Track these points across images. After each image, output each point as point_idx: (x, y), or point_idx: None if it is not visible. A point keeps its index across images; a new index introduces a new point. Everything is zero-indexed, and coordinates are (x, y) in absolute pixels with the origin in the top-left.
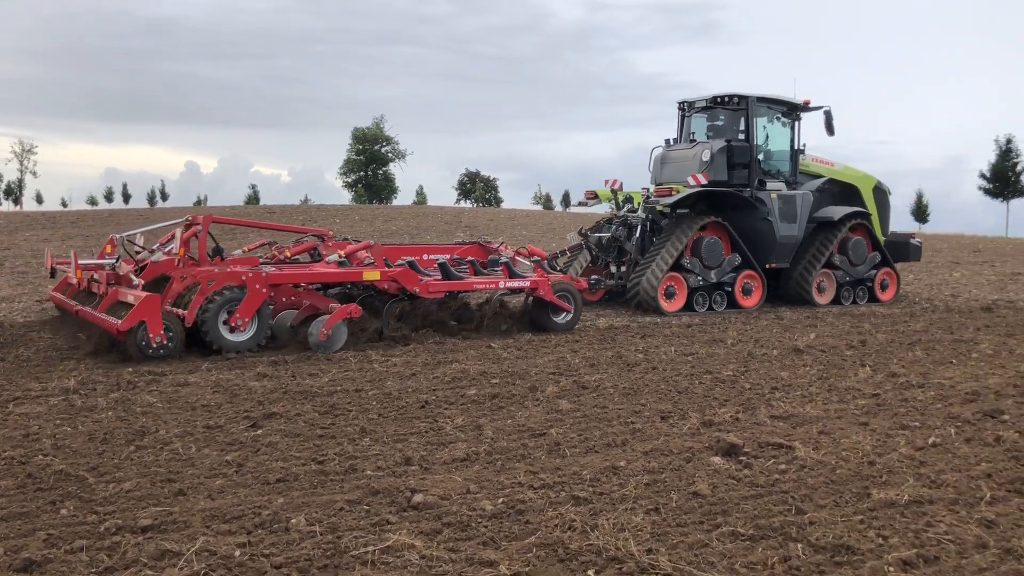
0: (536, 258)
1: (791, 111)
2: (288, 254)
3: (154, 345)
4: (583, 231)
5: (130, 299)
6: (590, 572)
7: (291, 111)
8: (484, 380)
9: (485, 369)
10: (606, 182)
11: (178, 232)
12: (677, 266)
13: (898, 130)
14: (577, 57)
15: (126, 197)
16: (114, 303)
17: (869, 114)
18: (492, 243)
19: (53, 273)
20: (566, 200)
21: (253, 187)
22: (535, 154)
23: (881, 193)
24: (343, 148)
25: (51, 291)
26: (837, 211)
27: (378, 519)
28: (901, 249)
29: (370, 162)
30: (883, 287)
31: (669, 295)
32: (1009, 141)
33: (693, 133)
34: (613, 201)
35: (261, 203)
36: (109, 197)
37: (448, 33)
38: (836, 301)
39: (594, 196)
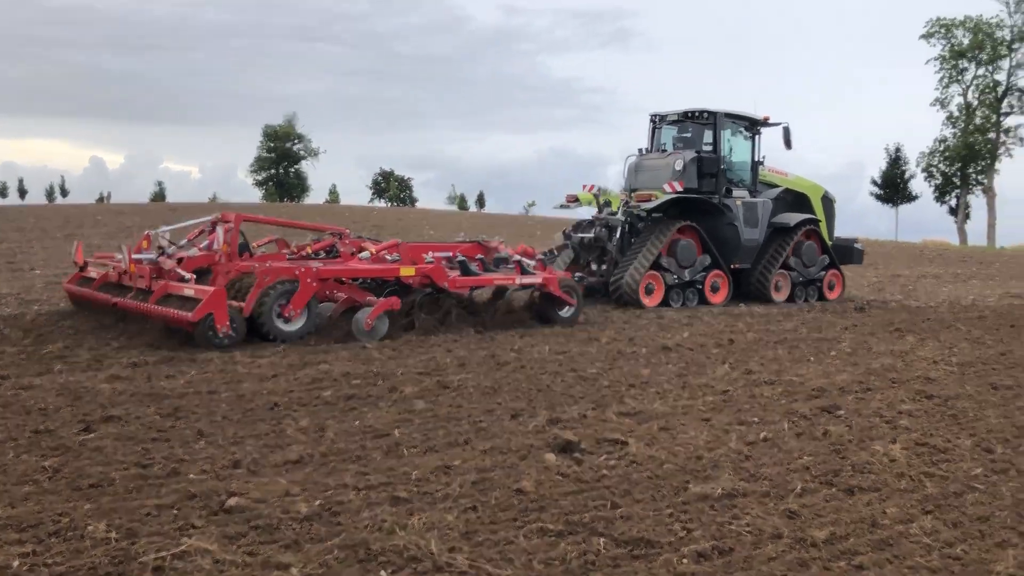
0: (540, 256)
1: (752, 126)
2: (310, 251)
3: (220, 335)
4: (566, 232)
5: (188, 292)
6: (383, 573)
7: (204, 106)
8: (344, 381)
9: (351, 370)
10: (584, 186)
11: (219, 229)
12: (655, 265)
13: (807, 139)
14: (495, 59)
15: (22, 192)
16: (164, 296)
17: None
18: (491, 242)
19: (85, 266)
20: (481, 201)
21: (159, 184)
22: (452, 154)
23: (828, 201)
24: (256, 145)
25: (65, 283)
26: (792, 217)
27: (183, 524)
28: (846, 253)
29: (281, 160)
30: (830, 287)
31: (648, 291)
32: (898, 150)
33: (664, 144)
34: (595, 204)
35: (167, 200)
36: (3, 192)
37: (366, 31)
38: (791, 299)
39: (575, 200)
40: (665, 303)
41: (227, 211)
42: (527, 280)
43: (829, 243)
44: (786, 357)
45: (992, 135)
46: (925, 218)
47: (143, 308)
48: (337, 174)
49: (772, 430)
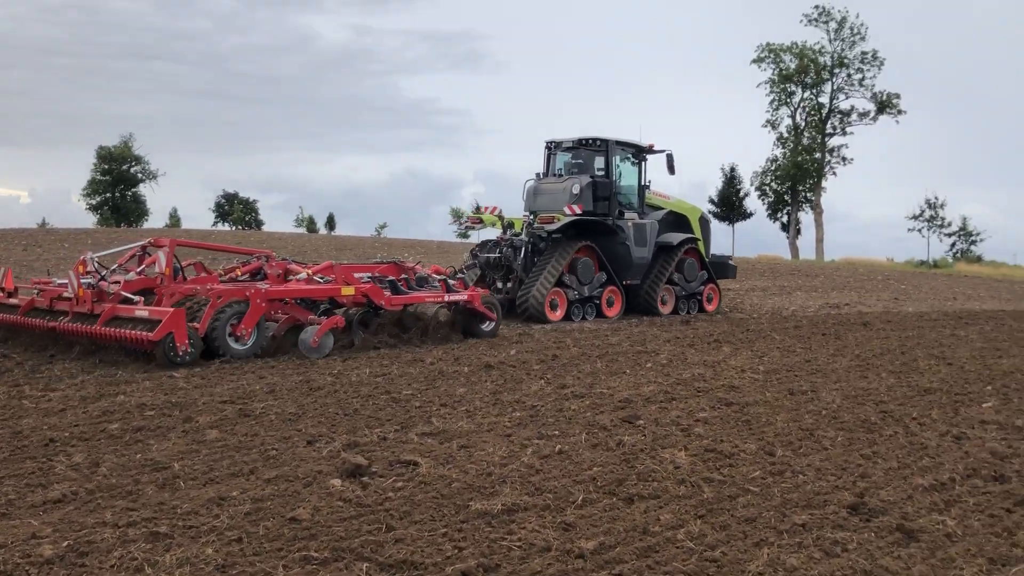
0: (461, 274)
1: (639, 153)
2: (238, 273)
3: (180, 353)
4: (473, 251)
5: (142, 314)
6: None
7: (30, 127)
8: (136, 413)
9: (147, 401)
10: (485, 208)
11: (161, 254)
12: (559, 282)
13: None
14: (344, 80)
15: None
16: (111, 318)
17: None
18: (407, 262)
19: (13, 293)
20: (331, 223)
21: None
22: (302, 176)
23: (705, 222)
24: (90, 168)
25: None
26: (675, 237)
27: None
28: (721, 268)
29: (118, 183)
30: (709, 300)
31: (553, 307)
32: (733, 169)
33: (560, 169)
34: (499, 225)
35: None
36: None
37: (207, 50)
38: (675, 311)
39: (479, 221)
40: (567, 317)
41: (158, 237)
42: (454, 297)
43: (707, 259)
44: (603, 370)
45: (818, 155)
46: (761, 235)
47: (95, 331)
48: (179, 197)
49: (569, 443)
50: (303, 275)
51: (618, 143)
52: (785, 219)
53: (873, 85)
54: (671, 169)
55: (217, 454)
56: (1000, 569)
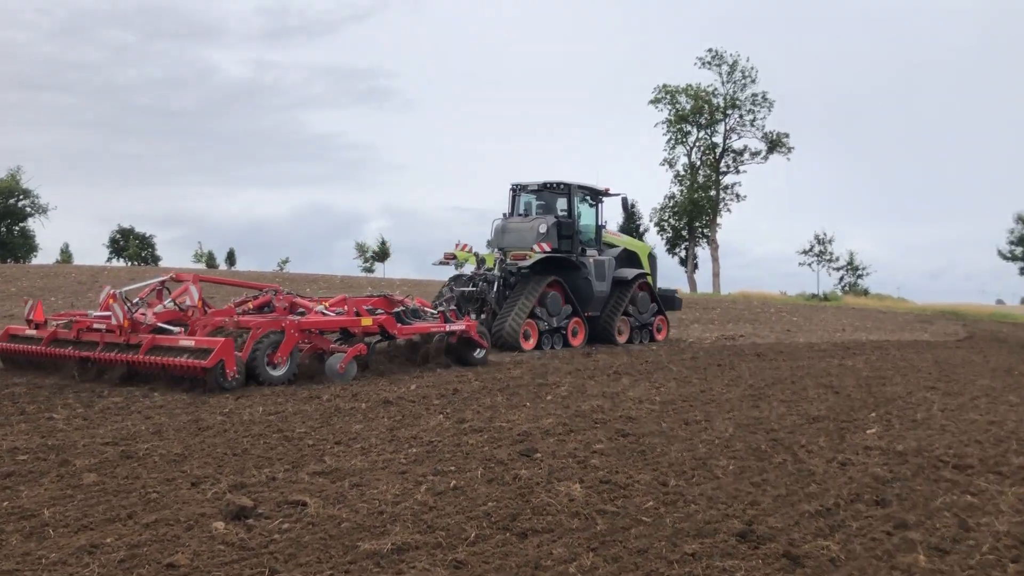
0: (441, 308)
1: (595, 195)
2: (250, 306)
3: (229, 379)
4: (449, 286)
5: (189, 343)
6: None
7: None
8: (8, 458)
9: (21, 444)
10: (457, 245)
11: (192, 288)
12: (531, 314)
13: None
14: (245, 114)
15: None
16: (151, 347)
17: (525, 175)
18: (395, 296)
19: (42, 325)
20: (231, 258)
21: None
22: (200, 210)
23: (652, 258)
24: None
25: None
26: (629, 272)
27: None
28: (669, 301)
29: (4, 217)
30: (658, 329)
31: (526, 336)
32: (633, 205)
33: (526, 209)
34: (473, 261)
35: None
36: None
37: (100, 82)
38: (629, 340)
39: (453, 257)
40: (539, 346)
41: (179, 272)
42: (455, 327)
43: (656, 293)
44: (503, 404)
45: (713, 192)
46: (660, 269)
47: (139, 360)
48: (70, 232)
49: (465, 478)
50: (321, 308)
51: (579, 187)
52: (683, 254)
53: (764, 125)
54: (625, 210)
55: (93, 499)
56: None
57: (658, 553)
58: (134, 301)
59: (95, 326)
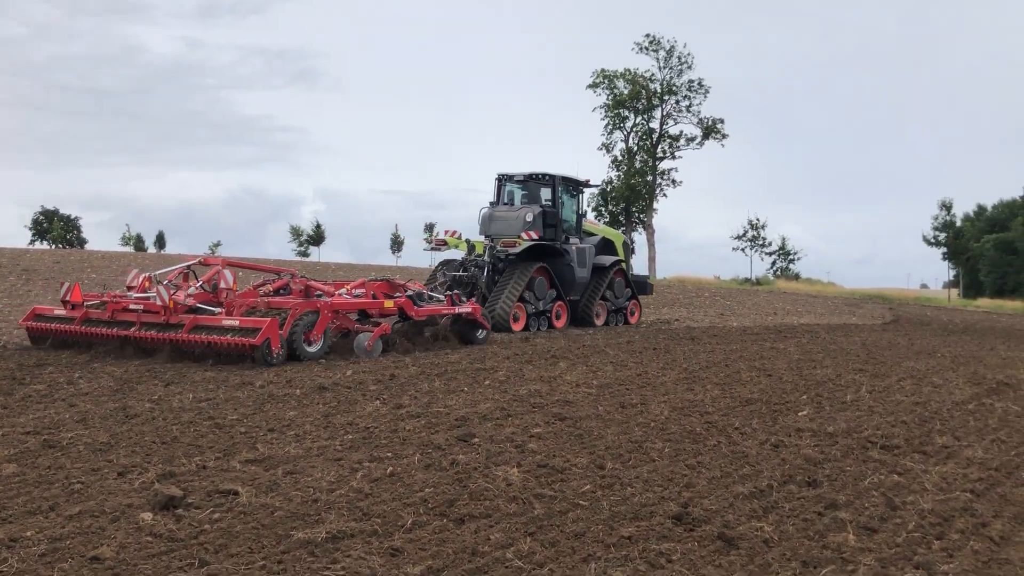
0: (458, 291)
1: (577, 186)
2: (271, 289)
3: (274, 355)
4: (440, 271)
5: (234, 323)
6: None
7: None
8: None
9: None
10: (445, 231)
11: (227, 271)
12: (520, 298)
13: (485, 178)
14: (175, 94)
15: None
16: (193, 327)
17: (460, 159)
18: (396, 280)
19: (79, 306)
20: (161, 241)
21: None
22: (129, 193)
23: (627, 246)
24: None
25: (24, 322)
26: (607, 259)
27: None
28: (641, 286)
29: None
30: (631, 313)
31: (515, 319)
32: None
33: (510, 198)
34: (463, 247)
35: None
36: None
37: (20, 59)
38: (606, 323)
39: (444, 243)
40: (526, 328)
41: (207, 256)
42: (462, 309)
43: (630, 278)
44: (441, 389)
45: (650, 177)
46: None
47: (194, 339)
48: None
49: (402, 464)
50: (343, 291)
51: (563, 178)
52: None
53: (699, 111)
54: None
55: (12, 491)
56: (812, 571)
57: (595, 537)
58: (163, 283)
59: (131, 307)
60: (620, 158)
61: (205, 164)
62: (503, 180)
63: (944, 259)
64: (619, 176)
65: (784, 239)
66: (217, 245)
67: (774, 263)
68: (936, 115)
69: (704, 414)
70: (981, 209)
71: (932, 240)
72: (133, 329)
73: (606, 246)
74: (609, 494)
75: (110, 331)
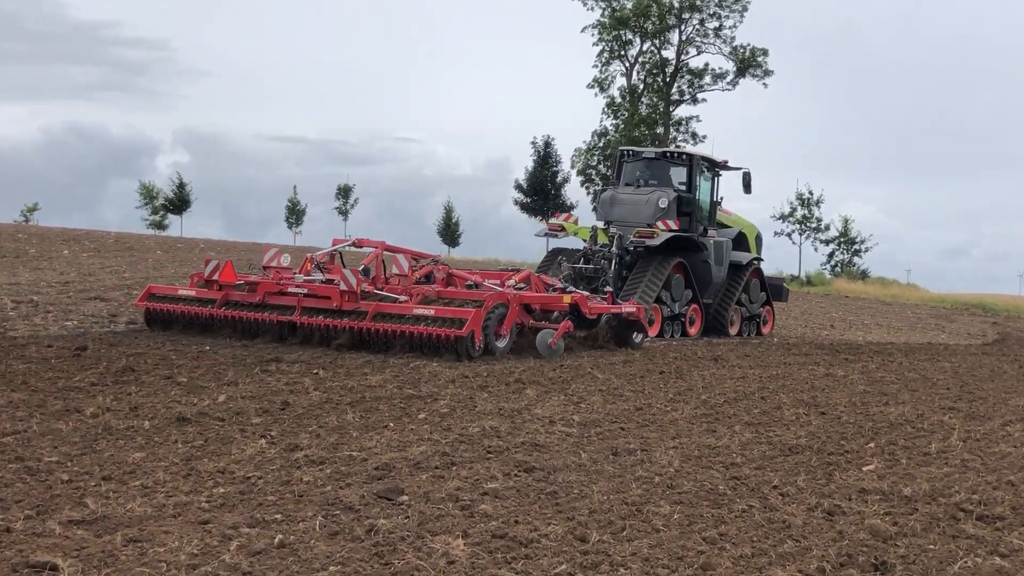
0: (610, 289)
1: (714, 168)
2: (418, 275)
3: (477, 348)
4: (560, 260)
5: (428, 312)
6: None
7: None
8: None
9: None
10: (559, 215)
11: (401, 258)
12: (657, 298)
13: (428, 125)
14: None
15: None
16: (376, 314)
17: (388, 95)
18: (546, 277)
19: (239, 287)
20: None
21: None
22: None
23: (760, 240)
24: None
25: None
26: (744, 256)
27: None
28: (777, 291)
29: None
30: (764, 322)
31: (650, 322)
32: (548, 145)
33: (639, 179)
34: (583, 235)
35: None
36: None
37: None
38: (739, 333)
39: (561, 228)
40: (659, 334)
41: (362, 239)
42: (627, 308)
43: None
44: (355, 424)
45: (660, 129)
46: None
47: (386, 328)
48: None
49: (297, 531)
50: (511, 282)
51: (702, 158)
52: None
53: (733, 37)
54: (747, 188)
55: None
56: None
57: None
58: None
59: (291, 290)
60: (619, 100)
61: (17, 91)
62: (626, 156)
63: None
64: (617, 126)
65: (847, 222)
66: (33, 209)
67: (832, 255)
68: None
69: (730, 466)
70: None
71: None
72: (295, 314)
73: (739, 240)
74: None
75: (266, 315)
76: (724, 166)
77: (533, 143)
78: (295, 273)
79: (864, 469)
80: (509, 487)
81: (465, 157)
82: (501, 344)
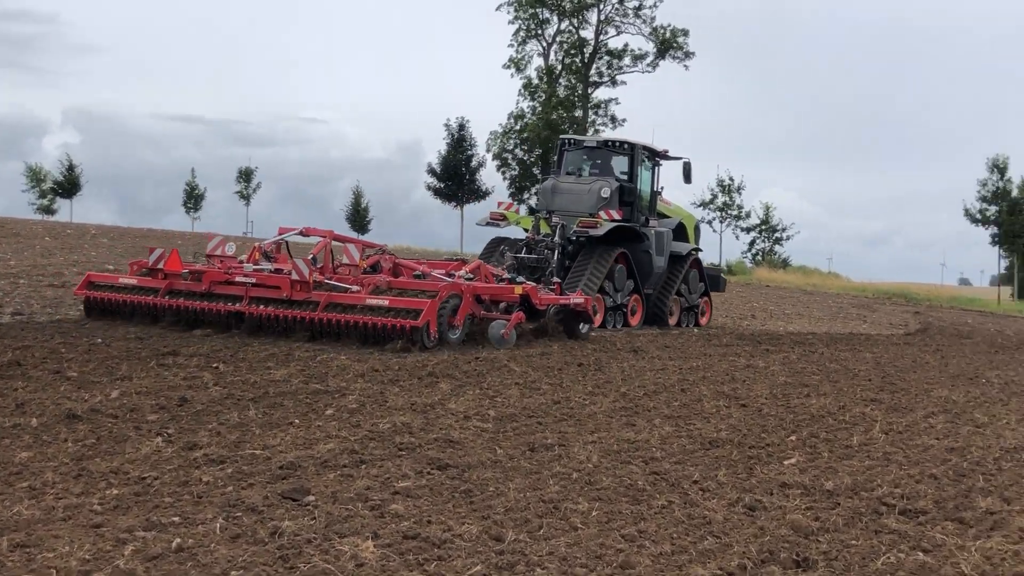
0: (558, 280)
1: (654, 157)
2: (365, 266)
3: (432, 338)
4: (502, 250)
5: (382, 303)
6: None
7: None
8: None
9: None
10: (500, 204)
11: (352, 248)
12: (600, 288)
13: (337, 105)
14: None
15: None
16: (327, 304)
17: (297, 81)
18: (492, 267)
19: (190, 275)
20: None
21: None
22: None
23: (698, 230)
24: None
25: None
26: (683, 246)
27: None
28: (714, 281)
29: None
30: (702, 313)
31: (594, 312)
32: (462, 127)
33: (582, 168)
34: (525, 225)
35: None
36: None
37: None
38: (678, 324)
39: (503, 218)
40: (602, 325)
41: (310, 228)
42: (576, 299)
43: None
44: (258, 421)
45: (579, 111)
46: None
47: (344, 318)
48: None
49: (197, 534)
50: (463, 273)
51: (643, 147)
52: (534, 201)
53: (653, 17)
54: (687, 178)
55: None
56: None
57: None
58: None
59: (239, 279)
60: (536, 82)
61: None
62: (567, 145)
63: (993, 243)
64: (535, 108)
65: (768, 209)
66: None
67: (753, 243)
68: (988, 37)
69: (649, 461)
70: None
71: (977, 216)
72: (243, 303)
73: (679, 230)
74: None
75: (213, 305)
76: (664, 156)
77: (447, 125)
78: (242, 262)
79: (785, 463)
80: (421, 486)
81: (375, 139)
82: (454, 335)
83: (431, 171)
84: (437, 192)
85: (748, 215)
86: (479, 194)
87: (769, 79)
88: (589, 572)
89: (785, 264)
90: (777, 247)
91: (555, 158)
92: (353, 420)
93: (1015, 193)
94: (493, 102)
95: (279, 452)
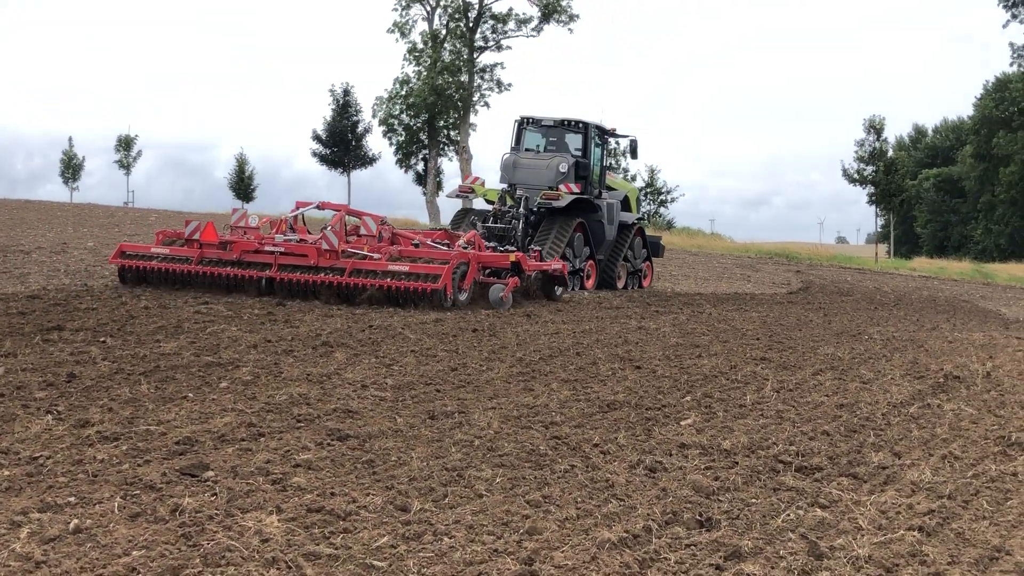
0: (538, 248)
1: (603, 135)
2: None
3: (449, 299)
4: (471, 221)
5: (403, 268)
6: None
7: None
8: None
9: None
10: (466, 177)
11: (369, 220)
12: (562, 255)
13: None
14: None
15: None
16: (352, 270)
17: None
18: (449, 231)
19: (222, 245)
20: None
21: None
22: None
23: (639, 201)
24: None
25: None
26: (629, 216)
27: None
28: (655, 248)
29: None
30: (644, 276)
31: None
32: (347, 93)
33: (538, 145)
34: (491, 197)
35: None
36: None
37: None
38: (625, 287)
39: (471, 191)
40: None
41: (325, 202)
42: (555, 265)
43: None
44: (151, 396)
45: (465, 77)
46: (389, 188)
47: (370, 282)
48: None
49: (94, 514)
50: (461, 242)
51: (595, 126)
52: (421, 167)
53: None
54: (634, 154)
55: None
56: None
57: None
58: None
59: (269, 248)
60: (421, 47)
61: None
62: (526, 124)
63: (870, 203)
64: (420, 73)
65: (653, 171)
66: None
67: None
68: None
69: (550, 425)
70: (919, 133)
71: (855, 176)
72: (272, 270)
73: (624, 202)
74: (417, 549)
75: (245, 272)
76: (613, 134)
77: (331, 91)
78: (272, 233)
79: (682, 423)
80: (323, 457)
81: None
82: (463, 297)
83: (316, 137)
84: (323, 159)
85: (634, 178)
86: (365, 160)
87: (652, 40)
88: (496, 539)
89: (670, 226)
90: (662, 209)
91: (513, 135)
92: (248, 392)
93: (891, 153)
94: (377, 69)
95: (175, 427)
